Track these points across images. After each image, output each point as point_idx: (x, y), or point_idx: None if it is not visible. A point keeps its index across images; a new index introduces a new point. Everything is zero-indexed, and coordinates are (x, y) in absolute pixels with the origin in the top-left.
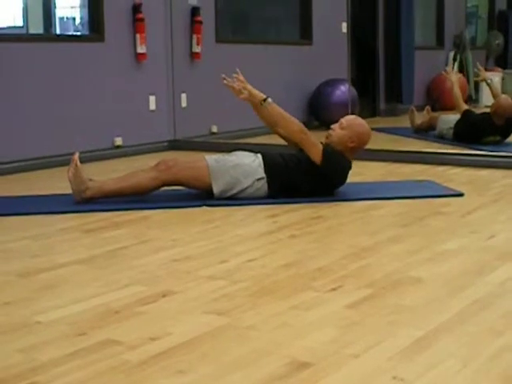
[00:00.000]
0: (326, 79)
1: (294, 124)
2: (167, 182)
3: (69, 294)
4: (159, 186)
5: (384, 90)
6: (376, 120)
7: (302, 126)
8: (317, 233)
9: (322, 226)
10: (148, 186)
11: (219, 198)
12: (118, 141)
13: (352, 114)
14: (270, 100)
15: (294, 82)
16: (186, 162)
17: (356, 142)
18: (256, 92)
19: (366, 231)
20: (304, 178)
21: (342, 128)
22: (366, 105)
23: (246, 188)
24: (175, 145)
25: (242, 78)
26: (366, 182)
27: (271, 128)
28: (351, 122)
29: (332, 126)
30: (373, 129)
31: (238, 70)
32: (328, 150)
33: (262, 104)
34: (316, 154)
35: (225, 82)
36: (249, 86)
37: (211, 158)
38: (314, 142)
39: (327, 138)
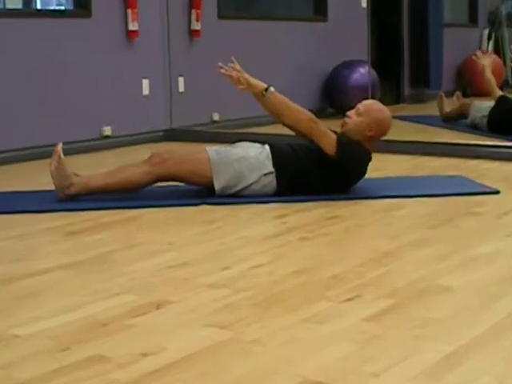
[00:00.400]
0: (342, 60)
1: (300, 113)
2: (162, 177)
3: (51, 304)
4: (153, 182)
5: (409, 73)
6: (400, 107)
7: (310, 114)
8: (332, 235)
9: (338, 227)
10: (140, 181)
11: (221, 196)
12: (107, 130)
13: (373, 99)
14: (272, 89)
15: (307, 63)
16: (184, 155)
17: (375, 130)
18: (255, 82)
19: (388, 234)
20: (317, 172)
21: (358, 114)
22: (389, 90)
23: (252, 184)
24: (171, 135)
25: (238, 67)
26: (388, 178)
27: (277, 119)
28: (369, 108)
29: (348, 113)
30: (396, 117)
31: (232, 58)
32: (343, 140)
33: (263, 94)
34: (329, 145)
35: (222, 70)
36: (246, 76)
37: (212, 150)
38: (326, 131)
39: (343, 126)
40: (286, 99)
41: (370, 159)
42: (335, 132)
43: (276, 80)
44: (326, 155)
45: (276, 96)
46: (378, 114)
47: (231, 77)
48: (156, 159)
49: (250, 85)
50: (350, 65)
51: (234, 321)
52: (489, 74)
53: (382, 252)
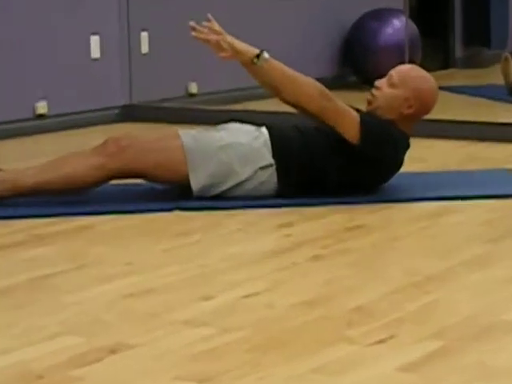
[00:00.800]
0: (370, 9)
1: (307, 85)
2: (118, 172)
3: None
4: (106, 179)
5: (462, 27)
6: (449, 73)
7: (320, 86)
8: (354, 252)
9: (363, 241)
10: (87, 178)
11: (201, 198)
12: (42, 107)
13: (411, 63)
14: (266, 55)
15: (320, 13)
16: (149, 142)
17: (415, 106)
18: (242, 46)
19: (433, 250)
20: (334, 164)
21: (391, 85)
22: (434, 50)
23: (244, 181)
24: (131, 113)
25: (216, 26)
26: (431, 172)
27: (274, 94)
28: (406, 76)
29: (377, 83)
30: (444, 88)
31: (209, 15)
32: (368, 120)
33: (254, 62)
34: (349, 128)
35: (194, 33)
36: (229, 39)
37: (188, 135)
38: (344, 109)
39: (370, 101)
40: (286, 68)
41: (407, 146)
42: (358, 110)
43: (276, 38)
44: (347, 142)
45: (272, 64)
46: (420, 84)
47: (208, 41)
48: (111, 148)
49: (235, 51)
50: (379, 15)
51: (218, 372)
52: None
53: (424, 276)
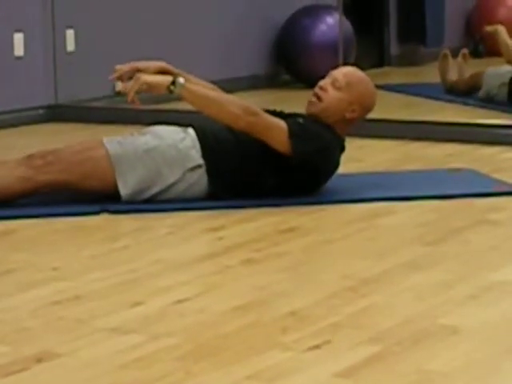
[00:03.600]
0: (303, 5)
1: (230, 104)
2: (45, 185)
3: None
4: (33, 191)
5: (396, 24)
6: (384, 72)
7: (243, 103)
8: (288, 256)
9: (297, 244)
10: (11, 190)
11: (130, 203)
12: None
13: (345, 62)
14: (181, 80)
15: (253, 9)
16: (74, 153)
17: (358, 110)
18: (157, 78)
19: (369, 252)
20: (269, 168)
21: (337, 88)
22: (368, 48)
23: (173, 184)
24: (57, 113)
25: (126, 67)
26: (368, 173)
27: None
28: (352, 79)
29: (321, 83)
30: (379, 86)
31: (117, 66)
32: (296, 129)
33: (171, 90)
34: (280, 141)
35: (112, 78)
36: (142, 76)
37: (113, 142)
38: (271, 122)
39: (311, 103)
40: (206, 90)
41: (342, 149)
42: (285, 116)
43: (208, 35)
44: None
45: (190, 88)
46: (364, 89)
47: (126, 87)
48: (37, 161)
49: (150, 86)
50: (312, 12)
51: (147, 380)
52: (505, 37)
53: (360, 279)
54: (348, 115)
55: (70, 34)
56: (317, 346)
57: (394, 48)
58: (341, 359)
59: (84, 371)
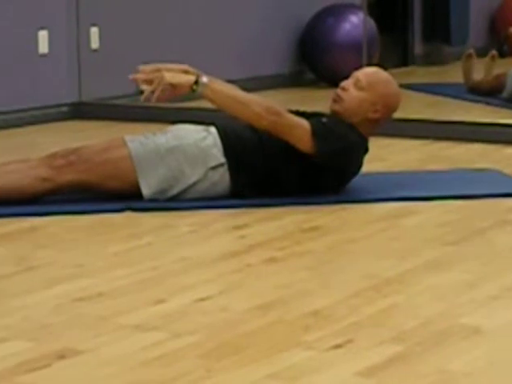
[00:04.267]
0: (326, 5)
1: (254, 104)
2: (67, 185)
3: None
4: (52, 192)
5: (421, 23)
6: (408, 71)
7: (268, 102)
8: (311, 255)
9: (320, 243)
10: (32, 190)
11: (154, 201)
12: None
13: (369, 61)
14: (204, 79)
15: (277, 8)
16: (96, 153)
17: (381, 111)
18: (180, 78)
19: (392, 252)
20: (292, 164)
21: (359, 88)
22: (392, 47)
23: (196, 183)
24: (80, 111)
25: (149, 68)
26: (391, 172)
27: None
28: (374, 79)
29: (343, 84)
30: (403, 86)
31: (141, 67)
32: (319, 129)
33: (194, 90)
34: (303, 140)
35: (133, 78)
36: (166, 74)
37: (135, 142)
38: (294, 122)
39: (335, 101)
40: (230, 88)
41: (366, 150)
42: (308, 116)
43: (233, 35)
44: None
45: (213, 87)
46: (387, 89)
47: (150, 84)
48: (59, 161)
49: (173, 86)
50: (336, 11)
51: (169, 378)
52: None
53: (382, 278)
54: (371, 115)
55: (94, 31)
56: (339, 346)
57: (418, 47)
58: (363, 359)
59: (106, 368)
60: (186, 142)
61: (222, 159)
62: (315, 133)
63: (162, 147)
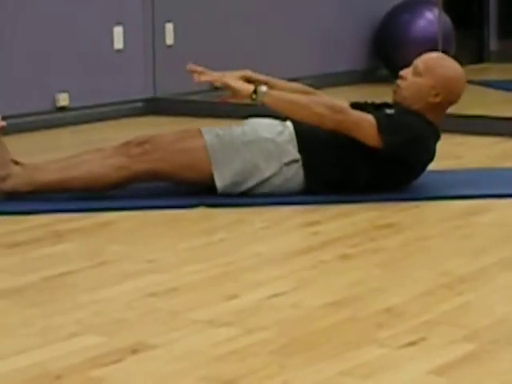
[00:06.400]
0: (402, 1)
1: (316, 105)
2: (142, 174)
3: None
4: (129, 181)
5: (496, 19)
6: (483, 68)
7: (330, 102)
8: (384, 252)
9: (394, 240)
10: (109, 179)
11: (226, 195)
12: (63, 99)
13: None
14: (263, 89)
15: (351, 5)
16: (171, 143)
17: (442, 94)
18: (239, 85)
19: (466, 250)
20: (364, 161)
21: (416, 74)
22: (467, 43)
23: (269, 178)
24: (155, 106)
25: (211, 76)
26: (466, 169)
27: None
28: (431, 64)
29: (402, 73)
30: (479, 82)
31: (189, 66)
32: (386, 124)
33: (253, 99)
34: (370, 135)
35: (195, 75)
36: (227, 79)
37: (211, 133)
38: (359, 118)
39: (394, 93)
40: (288, 94)
41: (438, 137)
42: (375, 107)
43: (307, 32)
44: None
45: (272, 95)
46: (445, 72)
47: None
48: (134, 149)
49: (233, 91)
50: (412, 7)
51: (243, 373)
52: None
53: (457, 276)
54: (431, 100)
55: (169, 27)
56: (412, 343)
57: (493, 44)
58: (435, 357)
59: (178, 363)
60: (263, 137)
61: (297, 155)
62: (381, 126)
63: (238, 140)
